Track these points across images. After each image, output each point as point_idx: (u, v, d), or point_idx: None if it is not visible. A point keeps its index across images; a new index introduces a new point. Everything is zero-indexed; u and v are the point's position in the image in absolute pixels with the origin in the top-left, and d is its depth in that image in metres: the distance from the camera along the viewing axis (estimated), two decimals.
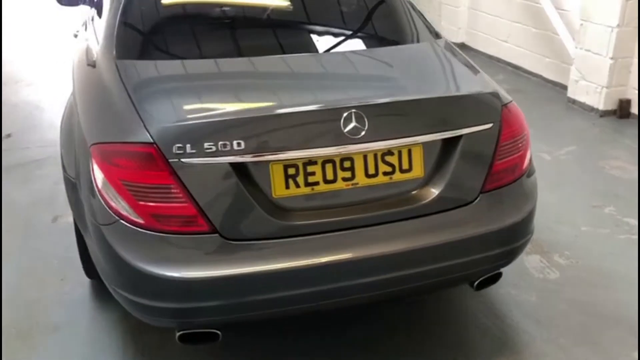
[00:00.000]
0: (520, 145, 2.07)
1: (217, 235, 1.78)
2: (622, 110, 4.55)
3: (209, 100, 2.01)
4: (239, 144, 1.76)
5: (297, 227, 1.83)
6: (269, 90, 2.06)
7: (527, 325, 2.37)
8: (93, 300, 2.51)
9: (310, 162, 1.82)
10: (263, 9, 2.55)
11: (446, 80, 2.25)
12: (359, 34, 2.52)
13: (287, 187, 1.82)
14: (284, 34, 2.49)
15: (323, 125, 1.85)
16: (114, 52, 2.15)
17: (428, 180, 1.96)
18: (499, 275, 2.13)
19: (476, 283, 2.07)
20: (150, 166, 1.75)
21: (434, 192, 1.94)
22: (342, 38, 2.50)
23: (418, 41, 2.48)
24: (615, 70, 4.46)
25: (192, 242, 1.77)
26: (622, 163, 3.84)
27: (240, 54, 2.29)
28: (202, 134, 1.76)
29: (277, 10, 2.57)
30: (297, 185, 1.83)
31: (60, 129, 2.42)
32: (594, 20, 4.52)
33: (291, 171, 1.82)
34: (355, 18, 2.60)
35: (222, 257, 1.78)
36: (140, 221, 1.77)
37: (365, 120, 1.83)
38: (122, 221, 1.78)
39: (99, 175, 1.83)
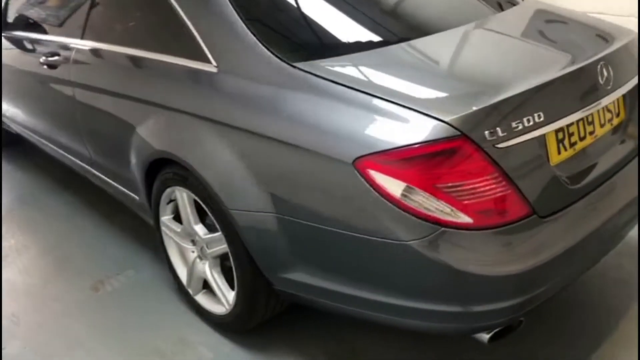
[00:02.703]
0: None
1: (535, 216, 1.68)
2: None
3: (481, 78, 1.84)
4: (539, 116, 1.69)
5: (579, 189, 1.83)
6: (524, 57, 2.00)
7: None
8: None
9: (571, 122, 1.83)
10: None
11: (597, 29, 2.32)
12: None
13: (559, 152, 1.80)
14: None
15: (584, 82, 1.87)
16: None
17: (628, 121, 2.10)
18: None
19: None
20: (467, 160, 1.59)
21: (635, 130, 2.10)
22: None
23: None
24: None
25: (519, 229, 1.65)
26: None
27: (435, 29, 2.11)
28: (507, 112, 1.65)
29: None
30: (565, 149, 1.82)
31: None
32: None
33: (560, 136, 1.80)
34: None
35: (546, 236, 1.70)
36: (469, 221, 1.60)
37: (610, 70, 1.90)
38: (444, 228, 1.59)
39: (393, 187, 1.60)
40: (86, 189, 3.41)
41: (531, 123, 1.68)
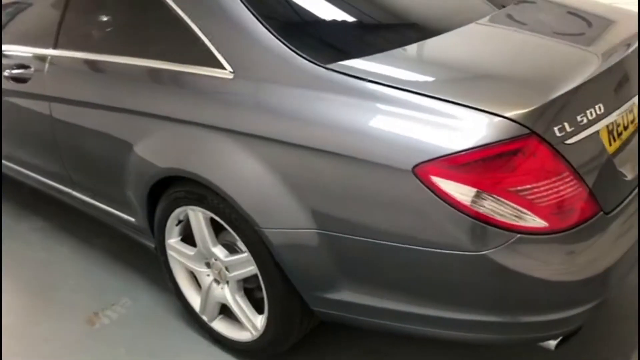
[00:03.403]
0: None
1: (601, 213, 1.60)
2: None
3: (533, 72, 1.72)
4: (599, 108, 1.61)
5: (632, 180, 1.76)
6: (566, 50, 1.91)
7: None
8: None
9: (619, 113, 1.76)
10: None
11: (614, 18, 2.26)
12: None
13: (610, 144, 1.72)
14: None
15: (623, 73, 1.79)
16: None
17: None
18: None
19: None
20: (540, 160, 1.48)
21: None
22: None
23: None
24: None
25: (590, 229, 1.56)
26: None
27: (456, 24, 1.96)
28: (571, 106, 1.55)
29: None
30: (614, 140, 1.75)
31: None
32: None
33: (610, 127, 1.72)
34: None
35: (613, 233, 1.62)
36: (544, 225, 1.49)
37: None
38: (520, 235, 1.48)
39: (461, 194, 1.47)
40: (57, 212, 3.11)
41: (594, 116, 1.60)
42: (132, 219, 2.33)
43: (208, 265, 2.11)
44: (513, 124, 1.46)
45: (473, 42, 1.90)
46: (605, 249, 1.60)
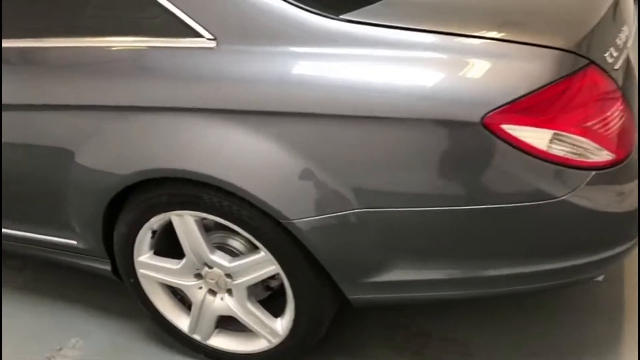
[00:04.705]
0: None
1: None
2: None
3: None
4: (626, 29, 1.57)
5: None
6: None
7: None
8: None
9: None
10: None
11: None
12: None
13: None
14: None
15: None
16: None
17: None
18: None
19: None
20: (603, 89, 1.40)
21: None
22: None
23: None
24: None
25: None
26: None
27: None
28: (609, 31, 1.49)
29: None
30: None
31: None
32: None
33: None
34: None
35: None
36: (612, 157, 1.41)
37: None
38: (595, 172, 1.39)
39: (536, 139, 1.34)
40: None
41: (624, 39, 1.55)
42: (74, 242, 1.88)
43: (198, 276, 1.78)
44: (574, 56, 1.35)
45: None
46: None
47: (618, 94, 1.45)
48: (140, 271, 1.81)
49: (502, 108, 1.33)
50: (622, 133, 1.45)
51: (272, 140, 1.46)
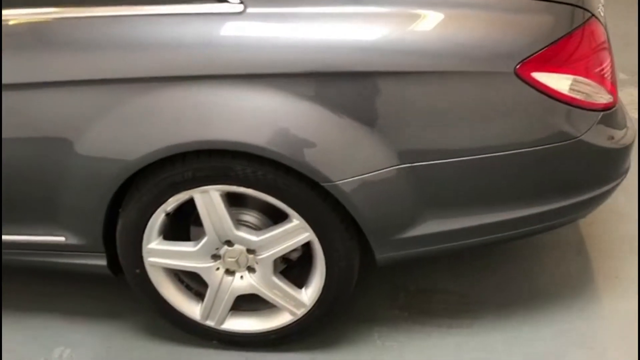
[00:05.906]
0: None
1: None
2: None
3: None
4: None
5: None
6: None
7: None
8: None
9: None
10: None
11: None
12: None
13: None
14: None
15: None
16: None
17: None
18: None
19: None
20: (602, 39, 1.57)
21: None
22: None
23: None
24: None
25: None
26: None
27: None
28: None
29: None
30: None
31: None
32: None
33: None
34: None
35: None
36: (612, 100, 1.60)
37: None
38: (603, 112, 1.57)
39: (561, 84, 1.48)
40: None
41: None
42: (61, 239, 1.71)
43: (215, 257, 1.70)
44: (582, 10, 1.52)
45: None
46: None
47: (609, 43, 1.64)
48: (150, 259, 1.69)
49: (530, 58, 1.45)
50: (614, 78, 1.64)
51: (311, 103, 1.45)
